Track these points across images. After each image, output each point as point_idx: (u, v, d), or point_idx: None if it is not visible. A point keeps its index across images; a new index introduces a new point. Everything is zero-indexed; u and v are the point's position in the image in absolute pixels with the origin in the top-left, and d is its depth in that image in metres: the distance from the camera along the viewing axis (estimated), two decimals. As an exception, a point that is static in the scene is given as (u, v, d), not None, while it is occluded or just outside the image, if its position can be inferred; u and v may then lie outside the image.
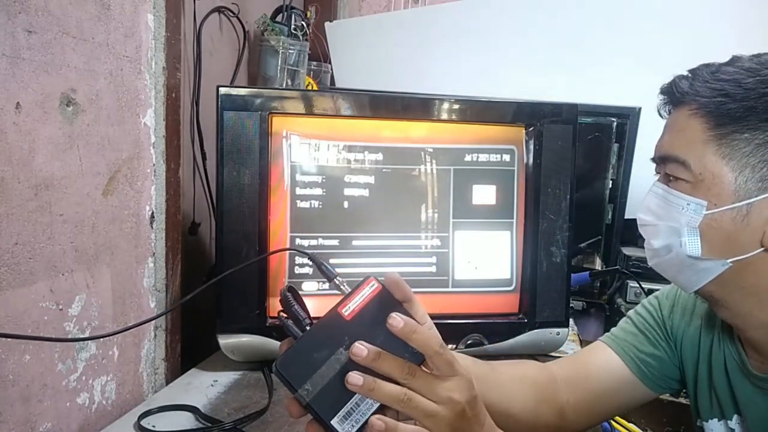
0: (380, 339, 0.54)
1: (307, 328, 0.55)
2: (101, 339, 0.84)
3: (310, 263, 0.99)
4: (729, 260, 0.61)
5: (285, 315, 0.56)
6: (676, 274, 0.66)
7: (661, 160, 0.67)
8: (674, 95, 0.66)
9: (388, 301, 0.56)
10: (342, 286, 0.59)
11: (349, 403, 0.52)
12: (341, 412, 0.51)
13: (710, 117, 0.61)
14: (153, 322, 0.96)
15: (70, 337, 0.77)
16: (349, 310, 0.55)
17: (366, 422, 0.52)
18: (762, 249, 0.60)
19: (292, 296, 0.56)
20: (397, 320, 0.53)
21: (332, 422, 0.51)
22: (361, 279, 0.58)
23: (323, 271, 0.61)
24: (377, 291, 0.57)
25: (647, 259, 0.69)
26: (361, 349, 0.52)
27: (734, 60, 0.63)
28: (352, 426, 0.51)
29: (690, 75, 0.65)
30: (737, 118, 0.60)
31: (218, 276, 0.85)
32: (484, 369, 0.74)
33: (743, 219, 0.60)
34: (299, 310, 0.55)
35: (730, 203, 0.60)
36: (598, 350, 0.81)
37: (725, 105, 0.60)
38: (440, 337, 0.58)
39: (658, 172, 0.69)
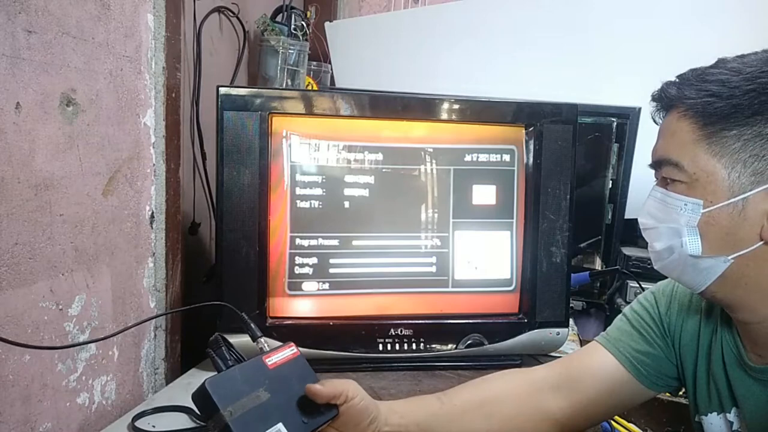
0: (294, 391, 0.65)
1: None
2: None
3: (310, 263, 1.01)
4: (730, 257, 0.62)
5: (213, 354, 0.65)
6: (680, 275, 0.67)
7: (656, 164, 0.68)
8: (663, 101, 0.67)
9: (303, 365, 0.68)
10: (263, 346, 0.68)
11: None
12: None
13: (698, 117, 0.63)
14: (153, 322, 0.96)
15: (70, 337, 0.78)
16: (272, 361, 0.65)
17: None
18: (762, 242, 0.61)
19: (223, 341, 0.66)
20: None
21: None
22: (282, 343, 0.69)
23: (250, 330, 0.71)
24: (295, 355, 0.68)
25: (652, 263, 0.70)
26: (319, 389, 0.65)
27: (719, 62, 0.65)
28: None
29: (677, 80, 0.67)
30: (724, 116, 0.61)
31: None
32: (431, 407, 0.77)
33: (740, 214, 0.61)
34: (226, 352, 0.65)
35: (726, 200, 0.61)
36: (593, 351, 0.81)
37: (712, 104, 0.62)
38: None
39: (656, 177, 0.70)
